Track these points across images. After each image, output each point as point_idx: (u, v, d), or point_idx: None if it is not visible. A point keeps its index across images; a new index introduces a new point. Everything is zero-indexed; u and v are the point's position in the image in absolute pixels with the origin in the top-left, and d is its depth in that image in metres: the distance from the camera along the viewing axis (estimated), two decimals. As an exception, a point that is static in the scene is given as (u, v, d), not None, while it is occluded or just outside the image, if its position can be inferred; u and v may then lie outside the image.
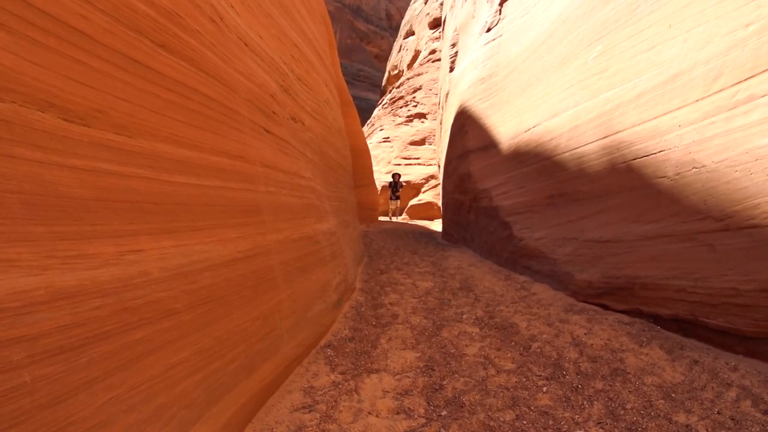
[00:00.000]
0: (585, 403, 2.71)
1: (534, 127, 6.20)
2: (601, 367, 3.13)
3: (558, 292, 5.05)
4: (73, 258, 1.48)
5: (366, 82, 53.92)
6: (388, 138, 24.52)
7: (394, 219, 19.22)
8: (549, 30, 6.19)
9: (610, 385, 2.88)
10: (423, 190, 19.61)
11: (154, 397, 1.74)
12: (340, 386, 3.02)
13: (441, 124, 13.62)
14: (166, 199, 2.00)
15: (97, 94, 1.68)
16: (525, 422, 2.53)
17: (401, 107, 26.64)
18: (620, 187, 4.37)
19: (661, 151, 3.82)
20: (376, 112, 30.43)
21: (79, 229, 1.52)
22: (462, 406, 2.73)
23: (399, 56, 32.55)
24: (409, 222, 17.61)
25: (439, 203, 16.26)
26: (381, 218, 18.88)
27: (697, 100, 3.52)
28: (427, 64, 26.81)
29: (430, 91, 25.28)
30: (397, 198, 18.87)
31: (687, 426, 2.37)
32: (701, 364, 3.04)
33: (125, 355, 1.62)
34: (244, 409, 2.45)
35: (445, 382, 3.06)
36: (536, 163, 6.08)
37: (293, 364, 3.22)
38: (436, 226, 15.39)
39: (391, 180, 18.92)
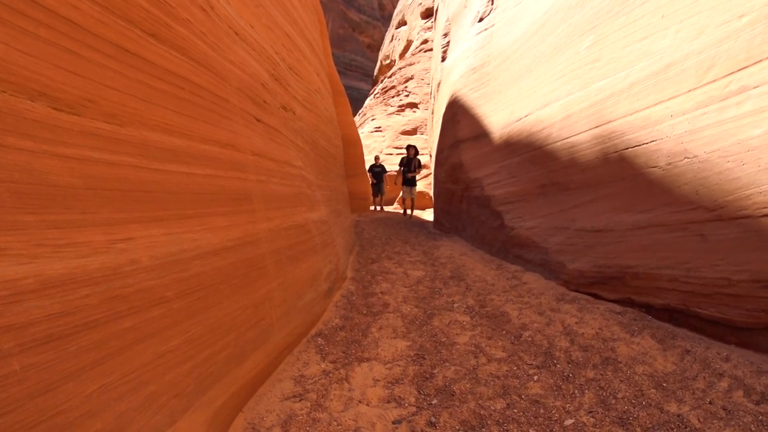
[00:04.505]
0: (576, 392, 2.73)
1: (526, 116, 6.20)
2: (592, 356, 3.16)
3: (549, 281, 5.08)
4: (62, 246, 1.46)
5: (358, 71, 53.74)
6: (379, 127, 24.50)
7: (409, 212, 14.47)
8: (541, 20, 6.17)
9: (602, 374, 2.91)
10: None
11: (144, 385, 1.73)
12: (330, 375, 3.02)
13: (433, 113, 13.53)
14: (156, 188, 1.99)
15: (88, 83, 1.65)
16: (516, 411, 2.55)
17: (393, 97, 26.61)
18: (612, 177, 4.38)
19: (653, 141, 3.83)
20: (367, 101, 30.40)
21: (69, 217, 1.51)
22: (452, 395, 2.75)
23: (391, 46, 32.43)
24: (400, 211, 17.25)
25: (431, 193, 16.13)
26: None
27: (689, 91, 3.53)
28: (419, 54, 26.74)
29: (422, 81, 25.23)
30: (413, 184, 13.73)
31: (679, 415, 2.39)
32: (693, 353, 3.06)
33: (115, 344, 1.61)
34: (234, 398, 2.45)
35: (435, 371, 3.07)
36: (528, 152, 6.09)
37: (284, 353, 3.23)
38: (428, 215, 15.40)
39: (403, 157, 13.60)
